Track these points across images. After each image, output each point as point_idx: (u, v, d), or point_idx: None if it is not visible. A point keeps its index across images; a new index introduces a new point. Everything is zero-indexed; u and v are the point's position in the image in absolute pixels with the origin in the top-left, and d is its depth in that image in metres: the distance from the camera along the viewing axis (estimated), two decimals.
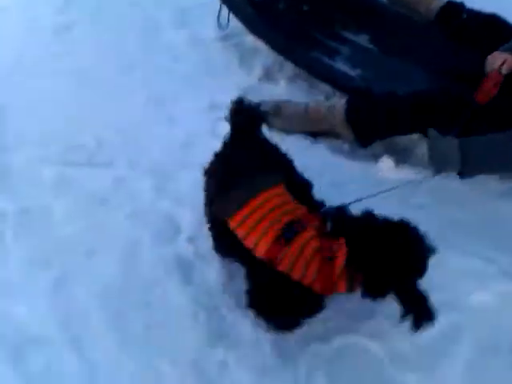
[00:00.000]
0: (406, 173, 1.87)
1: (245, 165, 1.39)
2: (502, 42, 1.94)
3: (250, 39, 2.37)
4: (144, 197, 1.72)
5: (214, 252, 1.41)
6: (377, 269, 1.16)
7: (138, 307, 1.39)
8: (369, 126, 1.89)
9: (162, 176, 1.80)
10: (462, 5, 2.33)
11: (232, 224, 1.27)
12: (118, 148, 1.88)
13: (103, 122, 1.96)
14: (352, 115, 1.90)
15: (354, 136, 1.92)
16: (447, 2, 2.37)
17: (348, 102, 1.93)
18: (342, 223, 1.26)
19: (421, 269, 1.18)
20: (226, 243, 1.38)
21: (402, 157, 1.96)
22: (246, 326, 1.34)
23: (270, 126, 2.01)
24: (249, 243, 1.24)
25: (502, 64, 1.83)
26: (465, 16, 2.28)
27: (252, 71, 2.30)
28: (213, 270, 1.47)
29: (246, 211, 1.26)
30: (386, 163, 1.90)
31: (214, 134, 1.97)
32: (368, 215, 1.25)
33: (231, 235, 1.27)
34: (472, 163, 1.70)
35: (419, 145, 1.97)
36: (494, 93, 1.82)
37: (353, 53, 2.35)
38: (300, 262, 1.20)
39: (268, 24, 2.25)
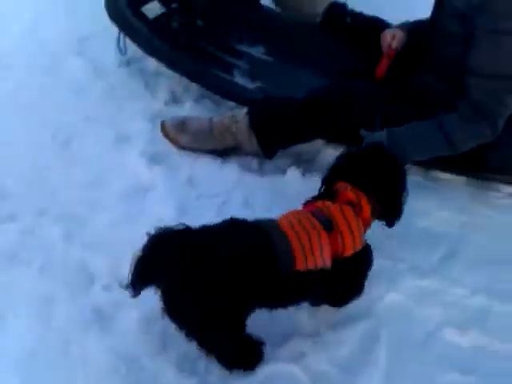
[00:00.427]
0: (314, 181, 1.91)
1: None
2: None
3: (153, 62, 2.34)
4: (55, 247, 1.66)
5: (130, 299, 1.39)
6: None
7: (55, 368, 1.35)
8: (271, 130, 1.90)
9: (72, 221, 1.75)
10: (345, 5, 2.40)
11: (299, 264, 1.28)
12: (22, 197, 1.81)
13: (3, 171, 1.88)
14: (254, 120, 1.90)
15: (257, 144, 1.92)
16: (331, 4, 2.43)
17: (250, 109, 1.94)
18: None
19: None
20: None
21: (308, 166, 2.00)
22: (168, 373, 1.33)
23: (179, 145, 2.00)
24: (316, 261, 1.29)
25: (392, 39, 1.93)
26: (349, 20, 2.36)
27: (158, 95, 2.28)
28: (130, 318, 1.44)
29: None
30: (293, 174, 1.92)
31: (125, 169, 1.95)
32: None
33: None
34: (399, 153, 1.76)
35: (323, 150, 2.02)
36: (387, 65, 1.93)
37: (250, 65, 2.36)
38: (355, 232, 1.35)
39: (165, 44, 2.23)
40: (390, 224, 1.49)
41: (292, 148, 1.99)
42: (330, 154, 2.04)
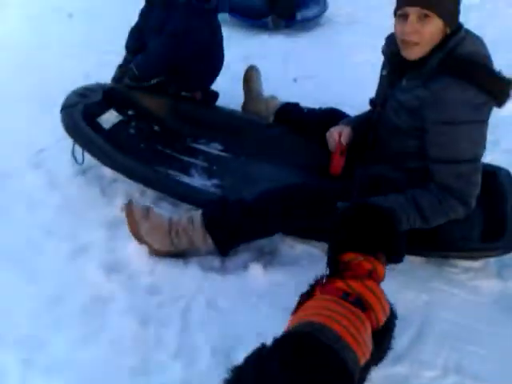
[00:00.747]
0: (276, 274, 1.91)
1: None
2: None
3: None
4: (11, 375, 1.59)
5: None
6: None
7: None
8: (226, 230, 1.90)
9: (30, 346, 1.68)
10: (298, 104, 2.52)
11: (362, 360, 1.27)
12: None
13: None
14: (209, 221, 1.91)
15: (214, 244, 1.92)
16: (285, 103, 2.55)
17: (204, 210, 1.95)
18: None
19: None
20: None
21: (270, 258, 2.01)
22: None
23: (136, 233, 1.97)
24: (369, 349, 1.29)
25: (340, 136, 1.98)
26: (305, 110, 2.46)
27: (115, 202, 2.29)
28: None
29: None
30: (255, 269, 1.92)
31: (83, 282, 1.91)
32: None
33: None
34: None
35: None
36: (342, 162, 1.97)
37: (207, 163, 2.43)
38: (384, 302, 1.39)
39: (121, 153, 2.28)
40: (398, 261, 1.52)
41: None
42: (290, 244, 2.07)
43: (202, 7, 2.54)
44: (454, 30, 1.67)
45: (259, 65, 3.19)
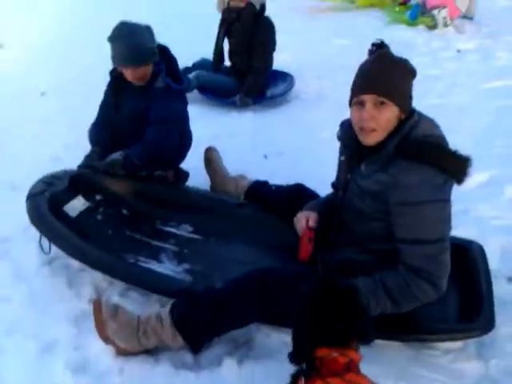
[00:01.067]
0: (251, 368, 1.84)
1: None
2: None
3: None
4: None
5: None
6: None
7: None
8: (197, 327, 1.83)
9: None
10: (266, 182, 2.53)
11: None
12: None
13: None
14: (178, 317, 1.83)
15: (183, 341, 1.84)
16: (254, 182, 2.56)
17: (173, 307, 1.88)
18: None
19: None
20: None
21: (245, 350, 1.93)
22: None
23: (103, 334, 1.87)
24: None
25: (307, 221, 1.95)
26: (273, 188, 2.46)
27: (82, 293, 2.20)
28: None
29: None
30: (229, 364, 1.84)
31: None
32: None
33: None
34: None
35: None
36: (311, 248, 1.92)
37: (178, 247, 2.39)
38: None
39: (88, 242, 2.22)
40: (369, 342, 1.44)
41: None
42: (265, 332, 2.00)
43: (179, 89, 2.58)
44: (408, 115, 1.71)
45: (229, 143, 3.25)
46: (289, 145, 3.27)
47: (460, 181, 1.66)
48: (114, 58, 2.50)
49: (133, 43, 2.40)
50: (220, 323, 1.83)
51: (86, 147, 3.32)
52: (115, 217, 2.53)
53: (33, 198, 2.37)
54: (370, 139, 1.72)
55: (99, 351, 1.91)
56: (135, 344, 1.86)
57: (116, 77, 2.60)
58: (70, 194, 2.51)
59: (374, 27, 5.29)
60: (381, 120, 1.68)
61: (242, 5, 3.68)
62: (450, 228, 1.73)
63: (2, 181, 3.09)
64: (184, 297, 1.89)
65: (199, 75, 3.80)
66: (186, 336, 1.82)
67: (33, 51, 5.33)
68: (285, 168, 2.96)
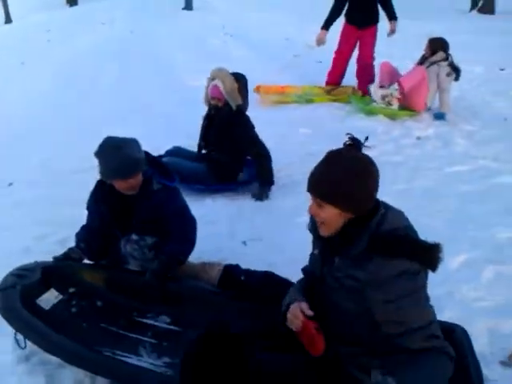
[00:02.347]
0: None
1: None
2: (280, 296, 1.99)
3: None
4: None
5: None
6: None
7: None
8: None
9: None
10: (238, 266, 2.52)
11: None
12: None
13: None
14: None
15: None
16: (224, 267, 2.54)
17: None
18: None
19: None
20: None
21: None
22: None
23: None
24: None
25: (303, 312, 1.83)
26: (243, 278, 2.46)
27: None
28: None
29: None
30: None
31: None
32: None
33: None
34: None
35: None
36: (321, 339, 1.75)
37: (157, 339, 2.29)
38: None
39: (63, 336, 2.11)
40: None
41: None
42: None
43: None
44: (374, 209, 1.71)
45: (207, 229, 3.23)
46: (266, 230, 3.29)
47: (434, 268, 1.67)
48: (104, 173, 2.51)
49: (121, 156, 2.42)
50: None
51: (57, 238, 3.28)
52: (89, 309, 2.44)
53: (4, 292, 2.28)
54: (322, 231, 1.77)
55: None
56: None
57: (103, 187, 2.61)
58: (42, 287, 2.43)
59: (335, 117, 5.53)
60: (323, 217, 1.72)
61: (220, 104, 3.83)
62: (431, 308, 1.73)
63: None
64: None
65: (169, 162, 3.85)
66: None
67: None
68: (264, 253, 2.95)
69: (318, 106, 5.89)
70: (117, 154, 2.42)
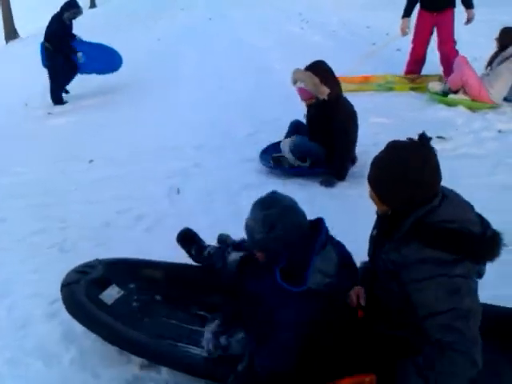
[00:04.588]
0: None
1: None
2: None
3: None
4: None
5: None
6: None
7: None
8: None
9: None
10: None
11: None
12: None
13: None
14: None
15: None
16: None
17: None
18: None
19: None
20: None
21: None
22: None
23: None
24: None
25: (358, 297, 1.94)
26: None
27: (133, 358, 2.17)
28: None
29: None
30: None
31: None
32: None
33: None
34: None
35: None
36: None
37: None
38: None
39: (127, 329, 2.18)
40: None
41: None
42: None
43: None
44: (428, 199, 1.71)
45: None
46: (337, 218, 3.28)
47: (488, 258, 1.69)
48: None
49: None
50: None
51: (137, 213, 3.45)
52: (150, 303, 2.48)
53: (68, 287, 2.35)
54: (377, 208, 1.85)
55: None
56: None
57: None
58: (105, 283, 2.49)
59: (414, 107, 5.39)
60: (371, 198, 1.82)
61: (314, 101, 3.83)
62: (469, 300, 1.68)
63: (52, 244, 3.18)
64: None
65: (297, 143, 3.93)
66: None
67: None
68: None
69: (397, 95, 5.76)
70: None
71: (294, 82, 3.84)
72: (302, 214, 1.90)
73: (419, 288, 1.67)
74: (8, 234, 3.38)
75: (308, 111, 4.01)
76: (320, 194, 3.69)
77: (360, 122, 4.20)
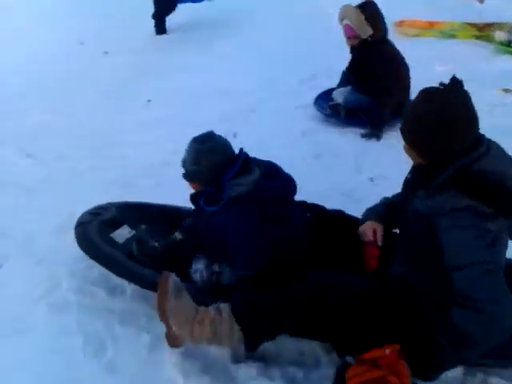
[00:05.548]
0: None
1: None
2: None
3: None
4: None
5: None
6: None
7: None
8: (257, 315, 1.80)
9: None
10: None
11: None
12: None
13: None
14: (237, 306, 1.83)
15: (240, 333, 1.80)
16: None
17: (233, 294, 1.90)
18: None
19: None
20: None
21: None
22: None
23: (161, 306, 1.87)
24: None
25: (375, 235, 1.98)
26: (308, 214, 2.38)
27: None
28: None
29: None
30: None
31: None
32: None
33: None
34: None
35: None
36: (376, 263, 1.95)
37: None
38: None
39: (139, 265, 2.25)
40: None
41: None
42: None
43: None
44: (470, 147, 1.64)
45: (332, 163, 3.28)
46: (392, 169, 3.24)
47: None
48: None
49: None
50: (283, 319, 1.80)
51: None
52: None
53: (82, 226, 2.46)
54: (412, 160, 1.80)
55: None
56: (188, 331, 1.85)
57: None
58: (116, 223, 2.55)
59: (479, 56, 5.14)
60: (405, 152, 1.77)
61: (356, 42, 3.75)
62: (498, 252, 1.65)
63: (114, 179, 3.28)
64: (245, 289, 1.92)
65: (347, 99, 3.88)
66: (244, 326, 1.80)
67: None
68: (391, 192, 2.93)
69: (460, 43, 5.49)
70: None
71: (341, 19, 3.76)
72: (226, 154, 2.14)
73: (455, 236, 1.63)
74: (68, 170, 3.48)
75: (351, 53, 3.90)
76: (376, 144, 3.64)
77: (423, 69, 4.05)
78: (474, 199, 1.58)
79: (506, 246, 1.70)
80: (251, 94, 4.58)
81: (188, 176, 2.20)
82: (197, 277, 2.18)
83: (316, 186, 2.87)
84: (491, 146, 1.68)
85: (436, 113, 1.61)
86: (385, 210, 2.10)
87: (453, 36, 5.71)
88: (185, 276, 2.14)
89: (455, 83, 1.64)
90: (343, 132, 3.80)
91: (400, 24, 5.78)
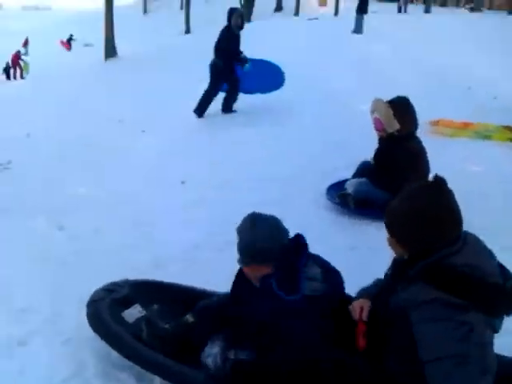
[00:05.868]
0: None
1: None
2: None
3: None
4: None
5: None
6: None
7: None
8: None
9: None
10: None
11: None
12: None
13: None
14: None
15: None
16: None
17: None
18: None
19: None
20: None
21: None
22: None
23: None
24: None
25: (361, 311, 1.93)
26: None
27: None
28: None
29: None
30: None
31: None
32: None
33: None
34: None
35: None
36: (364, 341, 1.87)
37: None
38: None
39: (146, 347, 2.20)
40: None
41: None
42: None
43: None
44: (449, 242, 1.65)
45: (368, 256, 3.23)
46: None
47: (490, 313, 1.60)
48: None
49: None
50: None
51: (227, 238, 3.47)
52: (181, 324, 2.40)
53: (94, 303, 2.44)
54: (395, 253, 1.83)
55: None
56: None
57: None
58: (128, 301, 2.52)
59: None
60: (388, 242, 1.80)
61: (384, 135, 3.86)
62: (478, 351, 1.58)
63: (146, 259, 3.27)
64: None
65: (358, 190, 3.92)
66: None
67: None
68: None
69: (495, 145, 5.53)
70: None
71: (372, 112, 3.89)
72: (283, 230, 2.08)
73: (425, 330, 1.61)
74: (103, 244, 3.50)
75: (378, 143, 3.99)
76: None
77: (456, 170, 4.07)
78: (442, 291, 1.59)
79: (490, 341, 1.65)
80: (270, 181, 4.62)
81: (258, 254, 2.02)
82: (209, 361, 2.09)
83: None
84: (468, 241, 1.69)
85: (418, 210, 1.67)
86: (376, 290, 2.06)
87: (488, 137, 5.77)
88: (194, 360, 2.08)
89: (439, 181, 1.69)
90: (354, 222, 3.82)
91: (436, 123, 5.90)
